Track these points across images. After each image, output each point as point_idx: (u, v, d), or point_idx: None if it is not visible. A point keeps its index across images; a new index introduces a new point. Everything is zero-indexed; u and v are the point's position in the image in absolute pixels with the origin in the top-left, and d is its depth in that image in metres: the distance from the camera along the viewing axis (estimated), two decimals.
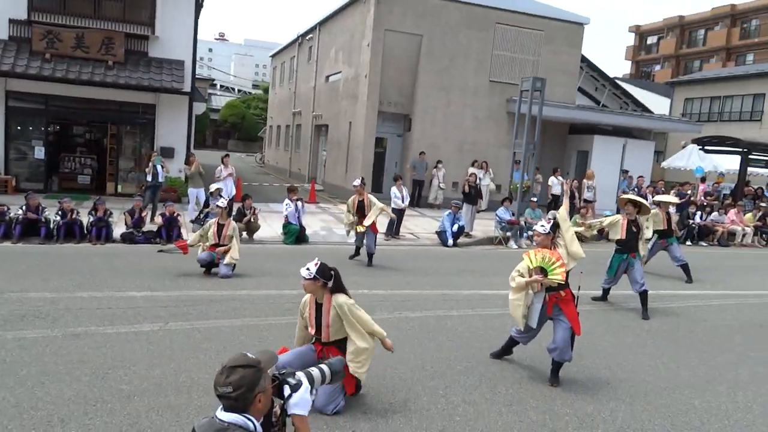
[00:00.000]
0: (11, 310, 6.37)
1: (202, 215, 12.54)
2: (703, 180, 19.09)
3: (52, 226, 10.92)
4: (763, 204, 18.06)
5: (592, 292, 8.58)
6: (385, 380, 5.14)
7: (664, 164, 23.49)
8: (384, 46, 18.24)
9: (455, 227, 13.31)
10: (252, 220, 12.16)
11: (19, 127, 15.49)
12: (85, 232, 10.91)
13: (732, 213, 17.04)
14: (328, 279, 4.52)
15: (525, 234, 13.97)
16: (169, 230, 11.35)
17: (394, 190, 13.67)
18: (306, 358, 4.49)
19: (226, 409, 2.26)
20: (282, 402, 2.55)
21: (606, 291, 8.79)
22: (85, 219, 11.11)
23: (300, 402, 2.55)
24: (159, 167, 13.59)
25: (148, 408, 4.31)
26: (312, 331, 4.65)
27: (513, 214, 14.15)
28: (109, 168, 16.57)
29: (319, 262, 4.51)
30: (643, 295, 8.14)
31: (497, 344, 6.05)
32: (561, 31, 20.24)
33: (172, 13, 15.36)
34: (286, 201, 12.46)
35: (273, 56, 34.31)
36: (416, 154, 18.72)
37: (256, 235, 12.34)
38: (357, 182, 10.70)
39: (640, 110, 26.85)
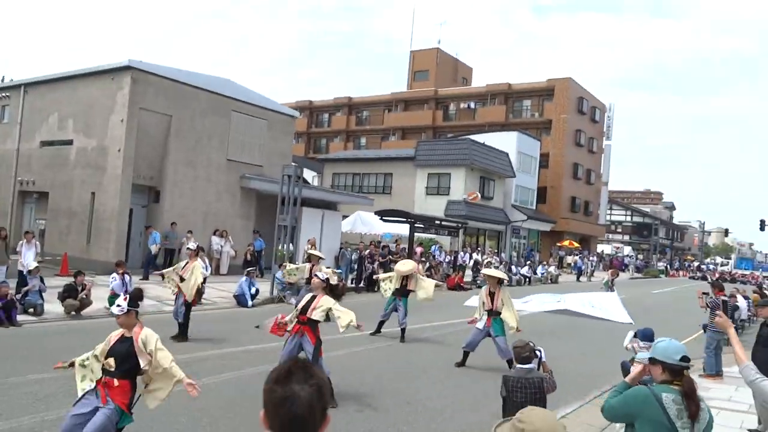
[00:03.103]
0: None
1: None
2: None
3: None
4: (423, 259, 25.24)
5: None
6: None
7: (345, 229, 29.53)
8: (137, 123, 19.29)
9: (253, 290, 15.78)
10: (86, 296, 12.43)
11: None
12: None
13: None
14: (137, 307, 4.97)
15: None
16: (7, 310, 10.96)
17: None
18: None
19: None
20: None
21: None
22: None
23: None
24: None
25: None
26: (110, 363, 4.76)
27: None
28: None
29: (127, 296, 4.98)
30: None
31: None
32: (278, 121, 24.40)
33: None
34: (113, 274, 13.11)
35: None
36: (167, 224, 20.01)
37: (84, 312, 12.57)
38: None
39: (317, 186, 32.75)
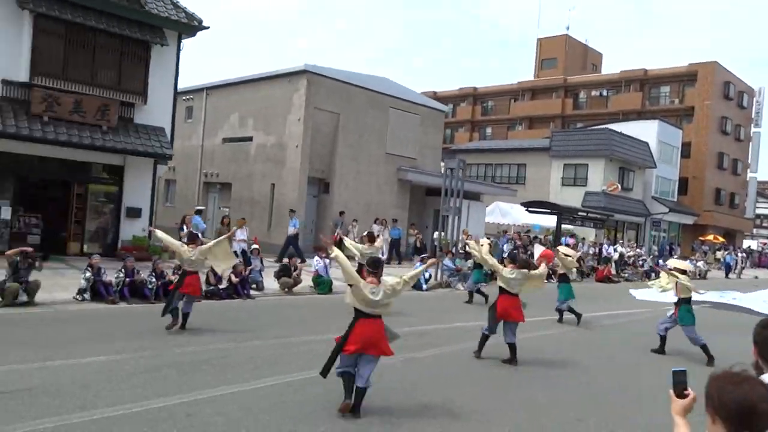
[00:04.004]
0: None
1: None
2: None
3: (116, 287, 11.64)
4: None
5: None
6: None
7: (488, 220, 30.34)
8: (312, 121, 21.28)
9: (427, 275, 17.11)
10: (297, 275, 14.31)
11: None
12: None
13: None
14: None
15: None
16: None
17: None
18: None
19: None
20: None
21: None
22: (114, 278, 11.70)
23: None
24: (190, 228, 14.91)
25: None
26: None
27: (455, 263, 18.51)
28: (75, 228, 16.34)
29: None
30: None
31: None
32: (430, 116, 25.64)
33: (156, 83, 16.38)
34: (316, 258, 14.93)
35: None
36: (336, 213, 21.90)
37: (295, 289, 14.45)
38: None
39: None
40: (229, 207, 24.11)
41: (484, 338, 8.88)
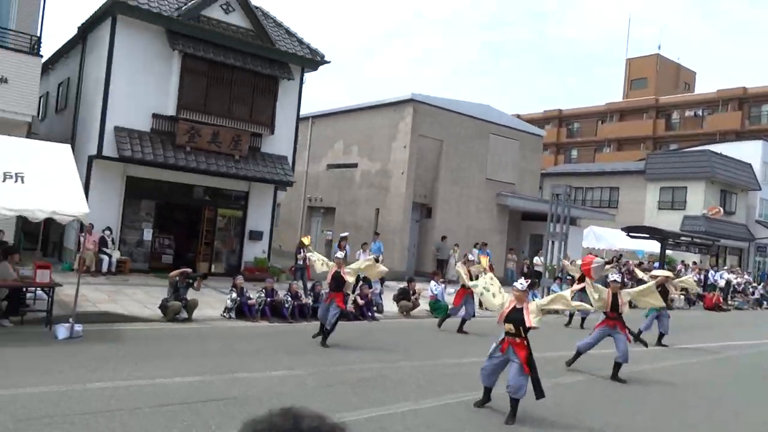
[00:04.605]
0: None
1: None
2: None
3: (257, 306, 12.50)
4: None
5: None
6: None
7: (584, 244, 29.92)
8: (417, 148, 21.95)
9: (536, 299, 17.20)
10: (416, 299, 14.84)
11: (132, 211, 16.14)
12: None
13: None
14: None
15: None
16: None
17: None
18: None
19: None
20: None
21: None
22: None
23: None
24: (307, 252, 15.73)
25: None
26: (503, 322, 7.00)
27: (561, 289, 18.48)
28: (204, 249, 17.61)
29: (523, 281, 7.25)
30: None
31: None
32: (528, 141, 25.80)
33: (281, 115, 17.49)
34: (433, 282, 15.40)
35: None
36: (437, 238, 22.37)
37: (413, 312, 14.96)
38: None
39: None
40: (332, 231, 25.08)
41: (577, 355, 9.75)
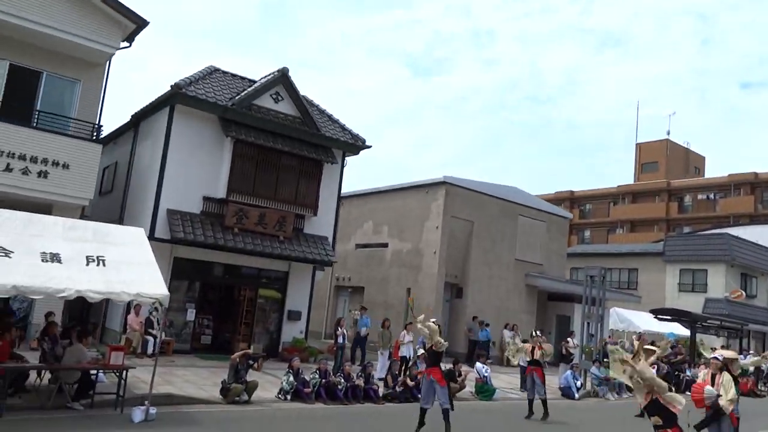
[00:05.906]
0: None
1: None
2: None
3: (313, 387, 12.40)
4: None
5: None
6: None
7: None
8: (449, 229, 22.33)
9: (578, 383, 17.01)
10: (462, 380, 14.72)
11: (177, 292, 16.31)
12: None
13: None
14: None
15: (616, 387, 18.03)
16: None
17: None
18: None
19: None
20: None
21: None
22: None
23: None
24: (344, 330, 15.87)
25: None
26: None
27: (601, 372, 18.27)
28: (243, 329, 17.63)
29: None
30: None
31: None
32: (555, 222, 26.21)
33: (323, 197, 17.98)
34: (478, 365, 15.32)
35: None
36: (469, 318, 22.34)
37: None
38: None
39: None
40: (358, 310, 25.03)
41: None
